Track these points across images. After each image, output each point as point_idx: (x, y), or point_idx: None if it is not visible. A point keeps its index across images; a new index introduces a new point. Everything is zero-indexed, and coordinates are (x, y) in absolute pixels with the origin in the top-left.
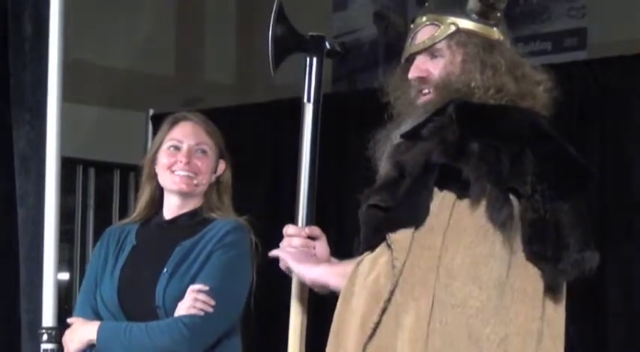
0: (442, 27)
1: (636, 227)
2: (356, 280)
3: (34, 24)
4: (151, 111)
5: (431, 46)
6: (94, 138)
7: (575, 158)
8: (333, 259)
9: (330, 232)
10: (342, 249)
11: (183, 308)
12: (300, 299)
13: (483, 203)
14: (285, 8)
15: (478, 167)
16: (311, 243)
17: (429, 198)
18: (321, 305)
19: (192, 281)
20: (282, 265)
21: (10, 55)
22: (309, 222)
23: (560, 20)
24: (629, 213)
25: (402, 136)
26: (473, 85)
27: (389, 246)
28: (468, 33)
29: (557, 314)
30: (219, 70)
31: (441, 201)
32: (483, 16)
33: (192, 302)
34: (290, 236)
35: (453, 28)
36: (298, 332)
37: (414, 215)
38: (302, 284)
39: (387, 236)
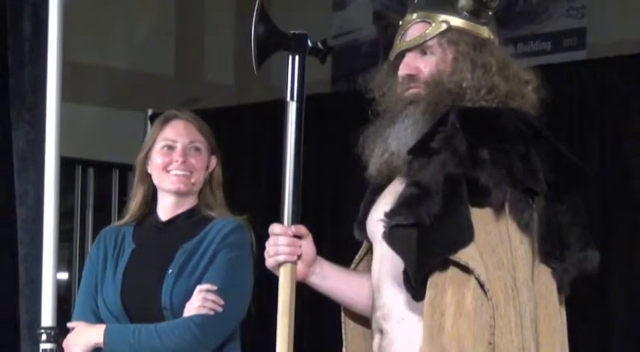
0: (433, 25)
1: (637, 226)
2: (445, 313)
3: (33, 24)
4: (150, 111)
5: (422, 44)
6: (93, 138)
7: (570, 158)
8: (319, 258)
9: (328, 232)
10: (339, 249)
11: (192, 309)
12: (288, 301)
13: (506, 207)
14: (285, 8)
15: (495, 173)
16: (297, 241)
17: (468, 212)
18: (318, 307)
19: (199, 281)
20: (268, 264)
21: (9, 55)
22: (295, 220)
23: (559, 20)
24: (630, 213)
25: (409, 152)
26: (464, 85)
27: (464, 268)
28: (459, 31)
29: (562, 315)
30: (219, 70)
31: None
32: (475, 14)
33: (202, 301)
34: (276, 235)
35: (444, 26)
36: (286, 334)
37: (463, 232)
38: (289, 286)
39: (453, 258)
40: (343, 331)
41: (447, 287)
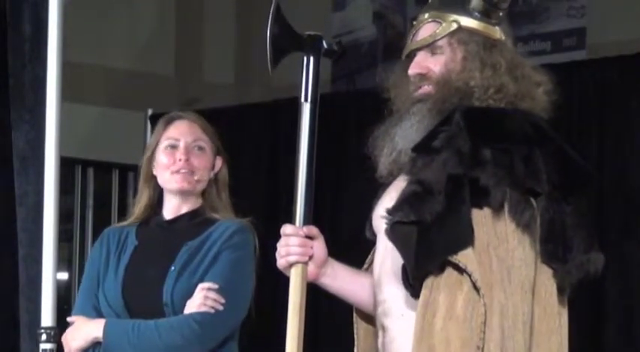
0: (444, 24)
1: (635, 226)
2: (437, 314)
3: (33, 24)
4: (150, 111)
5: (432, 43)
6: (93, 138)
7: (575, 159)
8: (330, 259)
9: (326, 232)
10: (337, 248)
11: (193, 306)
12: (299, 303)
13: (506, 207)
14: (285, 8)
15: (495, 173)
16: (309, 242)
17: (469, 213)
18: (319, 307)
19: (201, 279)
20: (279, 264)
21: (9, 55)
22: (307, 221)
23: (559, 20)
24: (628, 212)
25: (413, 150)
26: (472, 83)
27: (460, 270)
28: (470, 31)
29: (562, 317)
30: (219, 70)
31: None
32: (486, 14)
33: (203, 299)
34: (287, 235)
35: (454, 26)
36: (296, 334)
37: (464, 234)
38: (300, 286)
39: (451, 259)
40: (355, 330)
41: (441, 288)
